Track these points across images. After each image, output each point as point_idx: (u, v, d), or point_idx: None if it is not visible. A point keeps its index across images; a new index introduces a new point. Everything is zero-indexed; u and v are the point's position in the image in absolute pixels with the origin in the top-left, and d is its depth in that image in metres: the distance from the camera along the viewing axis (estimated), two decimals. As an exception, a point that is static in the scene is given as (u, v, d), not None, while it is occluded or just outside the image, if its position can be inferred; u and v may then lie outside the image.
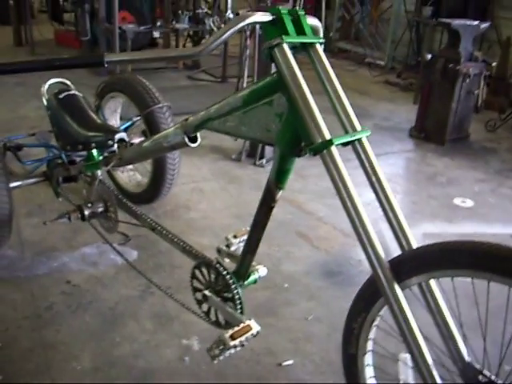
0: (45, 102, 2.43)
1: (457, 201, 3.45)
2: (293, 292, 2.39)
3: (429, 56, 4.52)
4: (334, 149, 1.31)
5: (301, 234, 2.88)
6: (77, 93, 2.45)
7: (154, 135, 2.56)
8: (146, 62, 1.41)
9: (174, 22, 5.86)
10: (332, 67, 1.44)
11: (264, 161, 3.73)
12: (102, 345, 2.00)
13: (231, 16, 5.56)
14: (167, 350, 2.00)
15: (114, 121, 3.02)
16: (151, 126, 2.66)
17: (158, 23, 5.91)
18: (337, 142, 1.31)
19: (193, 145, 1.74)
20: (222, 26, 5.76)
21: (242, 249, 1.85)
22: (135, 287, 2.34)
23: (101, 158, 2.29)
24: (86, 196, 2.23)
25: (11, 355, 1.92)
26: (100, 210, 2.18)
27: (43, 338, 2.00)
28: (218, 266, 1.73)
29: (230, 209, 3.12)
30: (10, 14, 7.37)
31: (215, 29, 5.72)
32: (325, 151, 1.31)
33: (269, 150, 3.81)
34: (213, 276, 1.76)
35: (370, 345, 1.50)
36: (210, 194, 3.30)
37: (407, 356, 1.80)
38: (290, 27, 1.37)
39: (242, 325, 1.54)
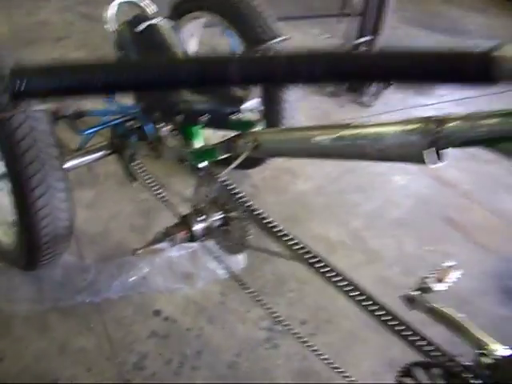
0: (113, 35, 1.54)
1: None
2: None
3: None
4: None
5: (451, 222, 2.10)
6: (163, 23, 1.55)
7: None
8: None
9: None
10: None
11: (370, 98, 2.85)
12: None
13: None
14: None
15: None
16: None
17: None
18: None
19: (435, 165, 0.94)
20: None
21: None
22: (256, 321, 1.61)
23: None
24: (193, 195, 1.42)
25: None
26: (217, 223, 1.38)
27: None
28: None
29: (345, 176, 2.30)
30: None
31: None
32: None
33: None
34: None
35: None
36: (313, 152, 2.47)
37: None
38: None
39: None
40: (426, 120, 0.91)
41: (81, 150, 1.60)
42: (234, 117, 1.32)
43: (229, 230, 1.39)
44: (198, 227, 1.35)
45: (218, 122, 1.36)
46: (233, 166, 1.27)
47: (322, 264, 1.24)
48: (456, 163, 2.45)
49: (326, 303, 1.67)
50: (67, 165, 1.52)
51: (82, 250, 1.78)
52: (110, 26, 1.53)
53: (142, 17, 1.54)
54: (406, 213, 2.10)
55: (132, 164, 1.64)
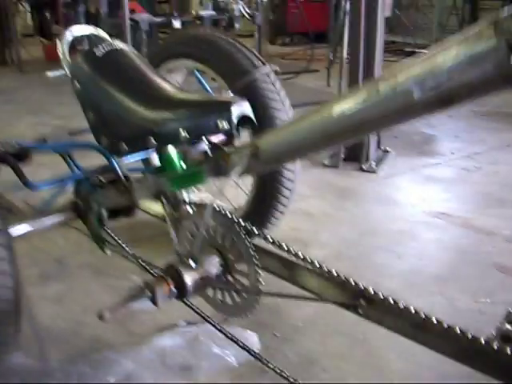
0: (66, 69, 1.27)
1: None
2: None
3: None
4: None
5: (502, 269, 1.72)
6: (124, 47, 1.29)
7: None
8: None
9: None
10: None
11: (373, 163, 2.58)
12: None
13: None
14: None
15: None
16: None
17: (174, 13, 4.77)
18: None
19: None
20: (255, 12, 4.68)
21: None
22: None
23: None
24: (176, 241, 1.07)
25: None
26: (215, 271, 1.01)
27: None
28: None
29: (365, 238, 1.94)
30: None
31: (246, 15, 4.60)
32: None
33: (373, 150, 2.68)
34: None
35: None
36: (322, 217, 2.12)
37: None
38: None
39: None
40: (495, 20, 0.61)
41: (33, 213, 1.26)
42: (223, 124, 1.00)
43: (232, 279, 1.02)
44: (188, 277, 0.98)
45: (204, 134, 1.04)
46: (229, 181, 0.94)
47: (372, 297, 0.86)
48: (484, 211, 2.14)
49: (377, 378, 1.25)
50: (15, 231, 1.18)
51: (46, 350, 1.36)
52: (62, 58, 1.27)
53: (103, 42, 1.28)
54: (447, 266, 1.73)
55: (102, 227, 1.29)
